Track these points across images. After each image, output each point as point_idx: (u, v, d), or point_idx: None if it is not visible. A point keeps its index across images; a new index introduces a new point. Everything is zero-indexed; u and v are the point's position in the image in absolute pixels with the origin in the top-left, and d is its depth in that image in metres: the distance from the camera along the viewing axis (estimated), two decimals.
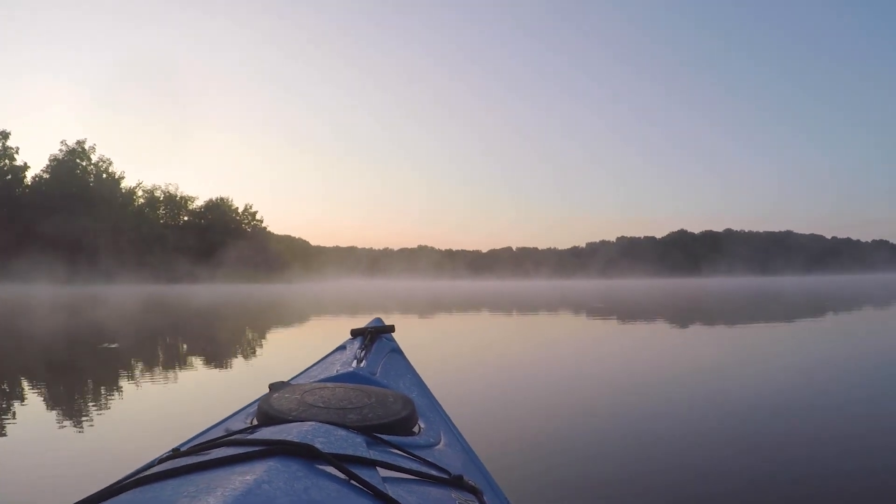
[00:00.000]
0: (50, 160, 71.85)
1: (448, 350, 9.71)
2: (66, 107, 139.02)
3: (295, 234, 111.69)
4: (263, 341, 12.16)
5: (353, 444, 0.85)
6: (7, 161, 68.27)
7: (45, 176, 71.05)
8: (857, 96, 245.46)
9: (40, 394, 6.14)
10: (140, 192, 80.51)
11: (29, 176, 70.34)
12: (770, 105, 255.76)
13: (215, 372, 7.58)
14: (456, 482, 0.89)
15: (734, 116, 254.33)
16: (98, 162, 74.87)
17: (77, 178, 71.65)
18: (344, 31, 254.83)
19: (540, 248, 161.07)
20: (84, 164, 73.44)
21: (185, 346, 10.86)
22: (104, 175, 74.89)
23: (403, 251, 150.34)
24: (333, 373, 1.52)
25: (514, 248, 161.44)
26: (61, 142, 73.66)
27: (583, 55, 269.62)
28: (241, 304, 28.27)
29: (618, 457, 3.70)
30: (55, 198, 67.29)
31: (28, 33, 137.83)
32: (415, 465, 0.91)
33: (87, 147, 73.68)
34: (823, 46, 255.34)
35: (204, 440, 0.97)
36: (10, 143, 68.81)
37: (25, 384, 6.75)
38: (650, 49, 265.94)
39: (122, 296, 37.98)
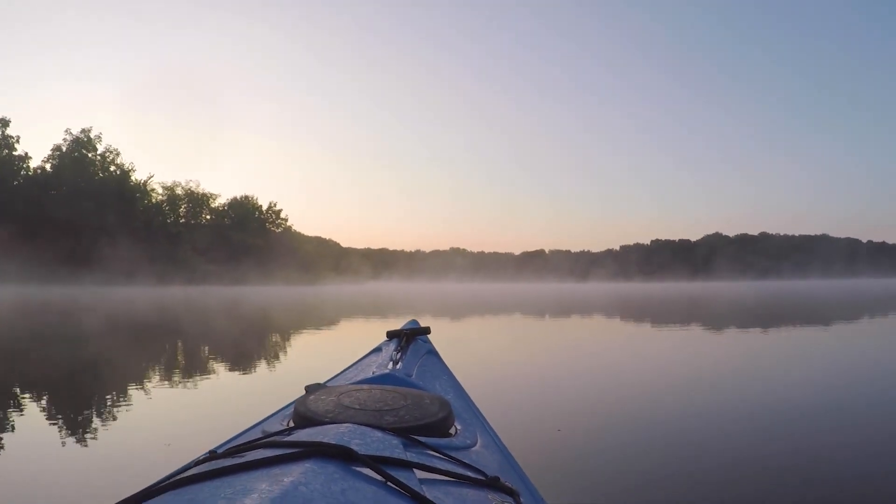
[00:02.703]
0: (53, 150, 65.58)
1: (484, 352, 9.64)
2: (98, 111, 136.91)
3: (326, 235, 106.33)
4: (298, 343, 11.59)
5: (390, 446, 0.84)
6: (7, 150, 62.27)
7: (47, 166, 64.89)
8: (890, 99, 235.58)
9: (76, 396, 5.87)
10: (160, 189, 73.88)
11: (31, 167, 64.42)
12: (801, 108, 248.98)
13: (251, 373, 7.37)
14: (493, 483, 0.88)
15: (765, 120, 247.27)
16: (105, 153, 68.32)
17: (82, 169, 65.09)
18: (375, 36, 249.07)
19: (573, 250, 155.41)
20: (90, 155, 66.72)
21: (218, 349, 10.32)
22: (111, 167, 68.20)
23: (435, 253, 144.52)
24: (369, 374, 1.50)
25: (546, 251, 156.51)
26: (66, 130, 67.19)
27: (615, 59, 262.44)
28: (271, 306, 26.22)
29: (655, 459, 3.60)
30: (58, 189, 61.42)
31: (60, 39, 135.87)
32: (451, 467, 0.90)
33: (92, 136, 67.22)
34: (855, 50, 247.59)
35: (241, 442, 0.97)
36: (11, 131, 63.01)
37: (55, 388, 6.38)
38: (683, 53, 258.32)
39: (134, 298, 34.62)
